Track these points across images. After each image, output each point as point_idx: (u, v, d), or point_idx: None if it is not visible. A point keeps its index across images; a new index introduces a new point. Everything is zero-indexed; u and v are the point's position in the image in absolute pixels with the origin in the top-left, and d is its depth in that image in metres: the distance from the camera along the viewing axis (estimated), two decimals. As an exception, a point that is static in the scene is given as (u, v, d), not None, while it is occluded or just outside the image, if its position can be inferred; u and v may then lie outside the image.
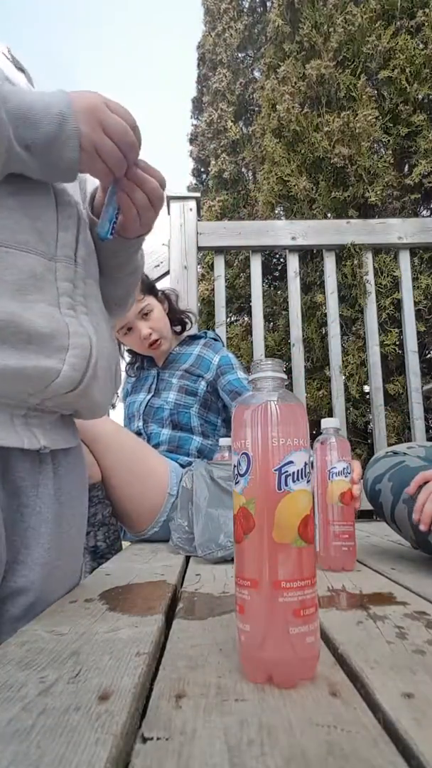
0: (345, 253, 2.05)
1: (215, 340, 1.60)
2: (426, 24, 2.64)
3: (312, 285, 2.81)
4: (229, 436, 1.53)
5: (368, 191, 2.64)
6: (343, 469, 0.84)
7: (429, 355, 2.90)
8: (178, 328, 1.59)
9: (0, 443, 0.56)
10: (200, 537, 0.95)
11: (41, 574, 0.63)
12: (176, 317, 1.58)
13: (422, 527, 0.76)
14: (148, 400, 1.48)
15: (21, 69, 0.75)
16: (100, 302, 0.70)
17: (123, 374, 1.61)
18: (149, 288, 1.52)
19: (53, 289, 0.59)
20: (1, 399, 0.56)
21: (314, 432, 2.28)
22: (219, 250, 1.99)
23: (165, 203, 0.74)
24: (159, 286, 1.67)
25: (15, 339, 0.53)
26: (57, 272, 0.60)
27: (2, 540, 0.59)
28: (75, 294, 0.62)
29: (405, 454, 0.99)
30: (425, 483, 0.80)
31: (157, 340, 1.47)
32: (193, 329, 1.64)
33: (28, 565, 0.62)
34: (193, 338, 1.58)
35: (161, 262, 1.95)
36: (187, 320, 1.61)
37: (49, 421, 0.64)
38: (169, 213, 1.96)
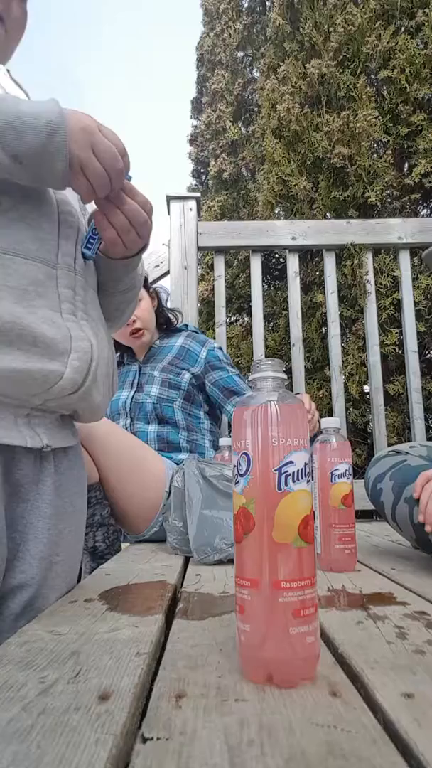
0: (345, 253, 2.05)
1: (195, 332, 1.60)
2: (426, 24, 2.64)
3: (312, 285, 2.81)
4: (213, 429, 1.51)
5: (368, 191, 2.64)
6: (345, 471, 0.84)
7: (429, 355, 2.90)
8: (164, 326, 1.59)
9: (4, 441, 0.58)
10: (195, 540, 0.93)
11: (40, 569, 0.64)
12: (164, 315, 1.58)
13: (428, 528, 0.75)
14: (132, 396, 1.46)
15: (20, 87, 0.76)
16: (98, 310, 0.72)
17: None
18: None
19: (55, 295, 0.61)
20: (5, 399, 0.58)
21: (314, 432, 2.26)
22: (219, 250, 1.99)
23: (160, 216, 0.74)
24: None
25: (21, 341, 0.55)
26: (58, 279, 0.62)
27: (3, 538, 0.60)
28: (75, 300, 0.64)
29: (407, 453, 0.99)
30: (427, 482, 0.80)
31: (140, 330, 1.47)
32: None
33: (26, 561, 0.63)
34: (173, 331, 1.58)
35: (161, 262, 1.95)
36: (173, 318, 1.61)
37: (51, 420, 0.66)
38: (169, 213, 1.96)
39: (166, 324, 1.59)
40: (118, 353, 1.59)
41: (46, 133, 0.55)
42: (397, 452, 1.01)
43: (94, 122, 0.59)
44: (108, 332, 0.73)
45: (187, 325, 1.62)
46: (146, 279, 1.58)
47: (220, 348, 1.54)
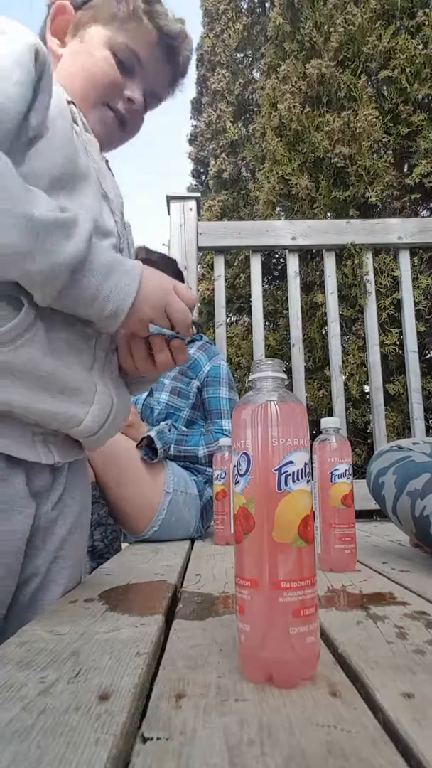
0: (345, 253, 2.05)
1: (209, 343, 1.60)
2: (426, 24, 2.64)
3: (312, 285, 2.81)
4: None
5: (368, 191, 2.64)
6: (345, 471, 0.84)
7: (429, 355, 2.90)
8: None
9: (23, 457, 0.63)
10: None
11: (47, 561, 0.68)
12: None
13: None
14: (144, 400, 1.49)
15: (111, 172, 0.80)
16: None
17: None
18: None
19: (91, 356, 0.67)
20: (26, 419, 0.63)
21: (314, 432, 2.27)
22: (219, 250, 1.99)
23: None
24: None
25: (52, 388, 0.62)
26: (97, 342, 0.68)
27: (23, 548, 0.64)
28: (105, 362, 0.71)
29: (410, 449, 0.99)
30: None
31: None
32: None
33: (32, 558, 0.67)
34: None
35: (161, 262, 1.95)
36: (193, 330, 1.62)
37: (62, 438, 0.71)
38: (169, 213, 1.96)
39: None
40: None
41: (105, 317, 0.61)
42: (400, 448, 1.01)
43: (170, 284, 0.66)
44: (127, 392, 0.78)
45: (201, 336, 1.62)
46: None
47: (225, 365, 1.53)
